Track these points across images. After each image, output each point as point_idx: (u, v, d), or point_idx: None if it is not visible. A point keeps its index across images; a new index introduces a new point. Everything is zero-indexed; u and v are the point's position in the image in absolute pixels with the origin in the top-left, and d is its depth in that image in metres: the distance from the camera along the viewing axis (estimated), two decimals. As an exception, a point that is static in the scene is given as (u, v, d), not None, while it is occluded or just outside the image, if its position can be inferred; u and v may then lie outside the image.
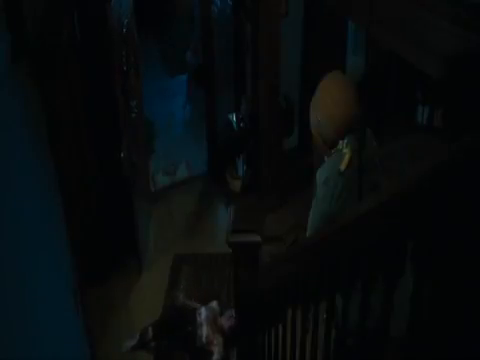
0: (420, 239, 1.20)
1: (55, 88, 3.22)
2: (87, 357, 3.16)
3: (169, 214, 4.69)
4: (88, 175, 3.68)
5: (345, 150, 2.21)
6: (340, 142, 2.25)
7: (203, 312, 3.39)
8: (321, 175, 2.27)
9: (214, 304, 3.53)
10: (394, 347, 1.37)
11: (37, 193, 2.46)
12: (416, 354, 1.30)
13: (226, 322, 3.36)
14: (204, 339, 3.23)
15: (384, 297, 1.29)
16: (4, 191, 1.99)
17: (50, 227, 2.65)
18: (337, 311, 1.57)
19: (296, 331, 1.89)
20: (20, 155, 2.24)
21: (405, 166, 3.28)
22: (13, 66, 2.17)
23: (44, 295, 2.39)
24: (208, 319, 3.34)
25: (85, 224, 3.69)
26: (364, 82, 4.44)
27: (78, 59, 3.39)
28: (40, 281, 2.34)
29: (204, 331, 3.27)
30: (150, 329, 3.19)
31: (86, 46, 3.44)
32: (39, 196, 2.49)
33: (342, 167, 2.17)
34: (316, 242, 1.65)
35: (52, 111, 3.05)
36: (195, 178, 5.12)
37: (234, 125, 4.86)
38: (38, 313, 2.28)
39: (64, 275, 2.83)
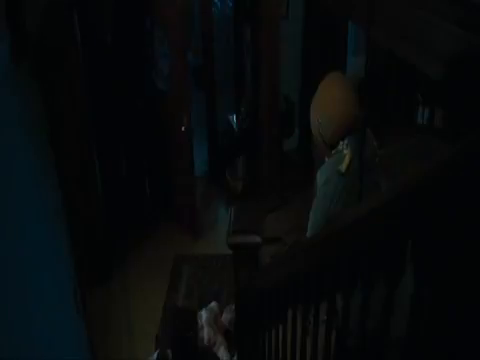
0: (420, 239, 1.20)
1: (56, 88, 3.22)
2: (88, 357, 3.16)
3: (169, 214, 4.69)
4: (88, 175, 3.68)
5: (345, 151, 2.21)
6: (340, 143, 2.25)
7: (203, 314, 3.38)
8: (321, 176, 2.27)
9: (213, 305, 3.53)
10: (394, 347, 1.36)
11: (37, 193, 2.46)
12: (416, 354, 1.30)
13: (227, 315, 3.35)
14: (206, 341, 3.23)
15: (384, 297, 1.29)
16: (4, 191, 1.99)
17: (50, 227, 2.65)
18: (337, 311, 1.57)
19: (296, 331, 1.89)
20: (20, 155, 2.24)
21: (405, 166, 3.28)
22: (13, 66, 2.17)
23: (44, 295, 2.39)
24: (208, 321, 3.34)
25: (85, 224, 3.69)
26: (364, 82, 4.45)
27: (88, 59, 3.45)
28: (40, 281, 2.34)
29: (205, 333, 3.27)
30: (169, 353, 3.14)
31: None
32: (39, 196, 2.49)
33: (342, 168, 2.17)
34: (316, 242, 1.64)
35: (52, 111, 3.05)
36: (195, 178, 5.11)
37: (234, 125, 4.86)
38: (38, 313, 2.28)
39: (64, 275, 2.83)
